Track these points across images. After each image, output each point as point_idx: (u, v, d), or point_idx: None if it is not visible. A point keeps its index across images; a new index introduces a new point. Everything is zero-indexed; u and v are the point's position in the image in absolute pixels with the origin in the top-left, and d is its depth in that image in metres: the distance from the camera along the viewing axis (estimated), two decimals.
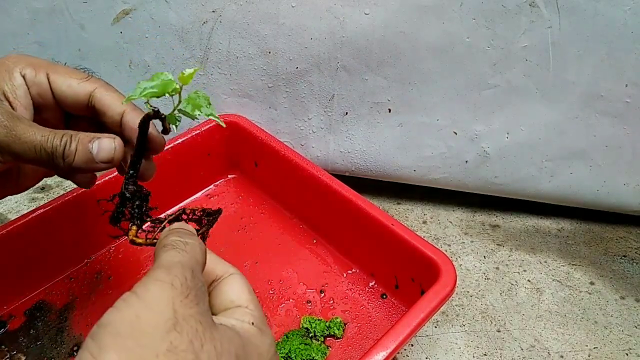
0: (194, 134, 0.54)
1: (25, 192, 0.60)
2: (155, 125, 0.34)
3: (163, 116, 0.31)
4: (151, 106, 0.30)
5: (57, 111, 0.36)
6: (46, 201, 0.46)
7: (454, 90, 0.52)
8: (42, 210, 0.45)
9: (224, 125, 0.32)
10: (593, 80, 0.50)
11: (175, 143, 0.53)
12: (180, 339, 0.21)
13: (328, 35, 0.51)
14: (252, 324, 0.27)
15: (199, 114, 0.29)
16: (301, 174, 0.51)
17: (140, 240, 0.31)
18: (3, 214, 0.58)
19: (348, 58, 0.52)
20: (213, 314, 0.27)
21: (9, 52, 0.55)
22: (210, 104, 0.30)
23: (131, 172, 0.33)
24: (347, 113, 0.55)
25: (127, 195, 0.33)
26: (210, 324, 0.23)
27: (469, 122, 0.54)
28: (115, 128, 0.35)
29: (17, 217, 0.45)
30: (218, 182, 0.59)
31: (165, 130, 0.32)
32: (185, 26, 0.53)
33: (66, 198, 0.46)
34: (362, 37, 0.51)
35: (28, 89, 0.34)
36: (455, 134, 0.55)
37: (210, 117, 0.30)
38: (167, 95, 0.29)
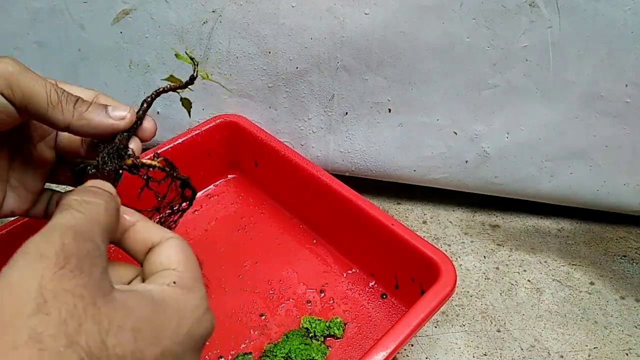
0: (194, 134, 0.54)
1: None
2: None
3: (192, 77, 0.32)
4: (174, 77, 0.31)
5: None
6: None
7: (454, 90, 0.52)
8: None
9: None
10: (593, 80, 0.50)
11: (175, 143, 0.53)
12: (48, 321, 0.18)
13: (328, 35, 0.51)
14: (174, 283, 0.24)
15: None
16: (301, 174, 0.51)
17: (147, 161, 0.30)
18: None
19: (348, 58, 0.52)
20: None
21: (9, 52, 0.55)
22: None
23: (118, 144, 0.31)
24: (347, 113, 0.55)
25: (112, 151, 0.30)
26: (98, 296, 0.20)
27: (469, 122, 0.54)
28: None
29: (17, 217, 0.45)
30: (218, 182, 0.59)
31: (192, 80, 0.33)
32: (185, 26, 0.53)
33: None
34: (362, 37, 0.51)
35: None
36: (455, 134, 0.55)
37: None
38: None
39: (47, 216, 0.34)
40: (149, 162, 0.31)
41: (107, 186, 0.26)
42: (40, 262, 0.19)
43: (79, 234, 0.21)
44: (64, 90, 0.28)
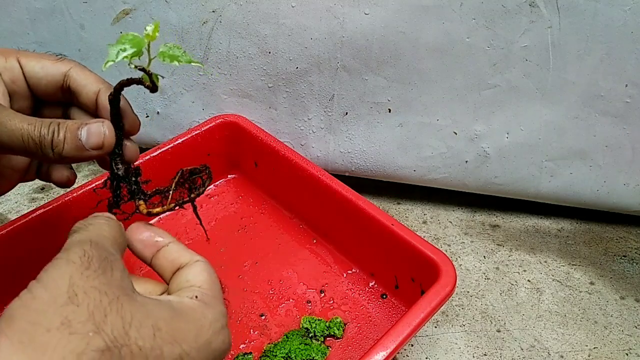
0: (194, 134, 0.54)
1: (26, 192, 0.60)
2: (130, 106, 0.33)
3: (147, 72, 0.29)
4: (136, 67, 0.28)
5: (28, 100, 0.34)
6: (46, 201, 0.46)
7: (453, 90, 0.52)
8: (42, 210, 0.45)
9: (202, 66, 0.31)
10: (593, 80, 0.50)
11: (175, 143, 0.53)
12: (78, 311, 0.21)
13: (328, 35, 0.51)
14: (195, 297, 0.26)
15: (178, 63, 0.29)
16: (301, 174, 0.51)
17: (157, 209, 0.31)
18: (3, 214, 0.58)
19: (348, 58, 0.52)
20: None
21: None
22: (185, 52, 0.29)
23: (116, 151, 0.32)
24: (347, 113, 0.55)
25: (120, 174, 0.32)
26: (121, 294, 0.22)
27: (469, 122, 0.54)
28: (91, 109, 0.34)
29: (17, 217, 0.45)
30: (218, 182, 0.59)
31: (154, 88, 0.30)
32: (185, 26, 0.53)
33: (66, 198, 0.46)
34: (362, 37, 0.51)
35: (0, 75, 0.32)
36: (455, 134, 0.55)
37: (191, 63, 0.29)
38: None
39: (39, 174, 0.37)
40: (162, 210, 0.32)
41: (105, 214, 0.29)
42: (68, 266, 0.22)
43: (94, 243, 0.24)
44: (41, 129, 0.29)
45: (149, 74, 0.29)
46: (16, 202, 0.59)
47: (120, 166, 0.32)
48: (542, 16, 0.48)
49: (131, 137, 0.34)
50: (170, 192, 0.32)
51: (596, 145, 0.53)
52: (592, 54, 0.49)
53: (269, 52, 0.53)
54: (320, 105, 0.55)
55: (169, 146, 0.52)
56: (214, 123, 0.55)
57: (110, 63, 0.28)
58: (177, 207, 0.32)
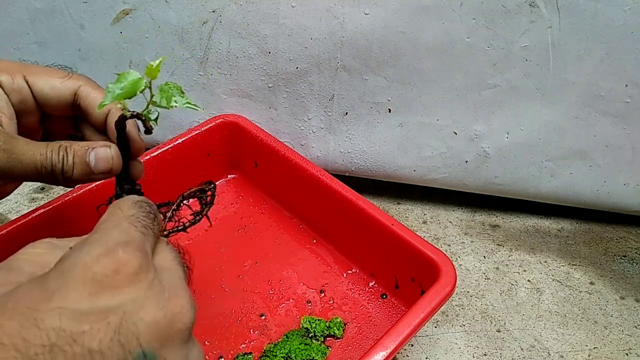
0: (194, 134, 0.54)
1: (26, 192, 0.60)
2: (138, 126, 0.33)
3: (139, 116, 0.30)
4: (128, 110, 0.29)
5: (37, 114, 0.34)
6: (46, 201, 0.46)
7: (453, 90, 0.52)
8: (42, 210, 0.45)
9: (201, 110, 0.31)
10: (593, 80, 0.50)
11: (175, 143, 0.53)
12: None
13: (328, 35, 0.51)
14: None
15: (174, 105, 0.28)
16: (301, 174, 0.51)
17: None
18: (3, 214, 0.58)
19: (348, 58, 0.52)
20: None
21: (9, 52, 0.55)
22: (183, 92, 0.29)
23: (122, 172, 0.33)
24: (347, 113, 0.55)
25: (125, 195, 0.33)
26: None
27: (469, 122, 0.54)
28: (100, 127, 0.34)
29: (17, 217, 0.45)
30: (218, 182, 0.59)
31: (148, 130, 0.31)
32: (185, 26, 0.53)
33: (66, 198, 0.46)
34: (362, 37, 0.51)
35: (8, 97, 0.32)
36: (455, 134, 0.55)
37: (186, 106, 0.29)
38: (139, 93, 0.28)
39: None
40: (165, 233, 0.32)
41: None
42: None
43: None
44: (52, 157, 0.30)
45: (142, 120, 0.29)
46: (16, 202, 0.59)
47: (126, 186, 0.33)
48: (542, 16, 0.48)
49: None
50: (170, 214, 0.32)
51: (596, 145, 0.53)
52: (592, 54, 0.49)
53: (269, 52, 0.53)
54: (320, 105, 0.55)
55: (169, 146, 0.52)
56: (214, 123, 0.55)
57: (105, 106, 0.28)
58: (173, 233, 0.33)
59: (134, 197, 0.27)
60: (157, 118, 0.30)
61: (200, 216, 0.33)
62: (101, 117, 0.34)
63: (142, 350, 0.20)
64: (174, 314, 0.22)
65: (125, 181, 0.33)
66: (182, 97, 0.29)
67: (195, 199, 0.34)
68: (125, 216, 0.25)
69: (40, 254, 0.24)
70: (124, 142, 0.32)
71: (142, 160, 0.35)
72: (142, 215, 0.25)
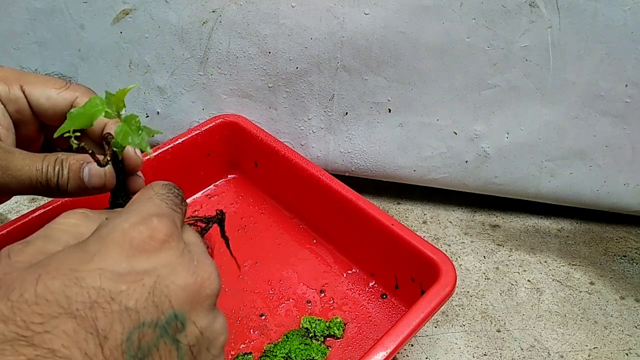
0: (194, 134, 0.54)
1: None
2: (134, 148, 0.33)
3: (88, 152, 0.29)
4: (76, 143, 0.28)
5: (35, 124, 0.34)
6: (46, 201, 0.46)
7: (453, 90, 0.52)
8: (42, 210, 0.45)
9: (151, 155, 0.32)
10: (593, 80, 0.50)
11: (175, 143, 0.53)
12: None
13: (328, 35, 0.51)
14: None
15: (129, 143, 0.28)
16: (301, 174, 0.51)
17: None
18: (3, 214, 0.58)
19: (348, 58, 0.52)
20: None
21: (9, 52, 0.55)
22: (140, 130, 0.28)
23: (117, 187, 0.32)
24: (347, 113, 0.55)
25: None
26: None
27: (469, 122, 0.54)
28: (98, 140, 0.34)
29: (17, 217, 0.45)
30: (218, 182, 0.59)
31: (100, 164, 0.30)
32: (185, 26, 0.53)
33: (66, 198, 0.46)
34: (362, 37, 0.51)
35: (5, 107, 0.32)
36: (455, 134, 0.55)
37: (138, 147, 0.28)
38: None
39: None
40: None
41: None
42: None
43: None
44: (47, 172, 0.30)
45: (91, 154, 0.30)
46: (16, 202, 0.59)
47: (120, 201, 0.32)
48: (542, 16, 0.48)
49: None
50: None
51: (596, 145, 0.53)
52: (592, 54, 0.49)
53: (269, 52, 0.53)
54: (320, 105, 0.55)
55: (169, 146, 0.52)
56: (214, 123, 0.55)
57: (62, 132, 0.28)
58: None
59: (164, 181, 0.29)
60: (121, 148, 0.30)
61: (205, 231, 0.33)
62: (97, 130, 0.33)
63: (173, 311, 0.22)
64: (203, 280, 0.24)
65: (119, 196, 0.32)
66: (138, 136, 0.28)
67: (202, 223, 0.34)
68: (157, 194, 0.27)
69: (75, 224, 0.26)
70: (115, 159, 0.32)
71: (142, 175, 0.34)
72: (172, 195, 0.28)
